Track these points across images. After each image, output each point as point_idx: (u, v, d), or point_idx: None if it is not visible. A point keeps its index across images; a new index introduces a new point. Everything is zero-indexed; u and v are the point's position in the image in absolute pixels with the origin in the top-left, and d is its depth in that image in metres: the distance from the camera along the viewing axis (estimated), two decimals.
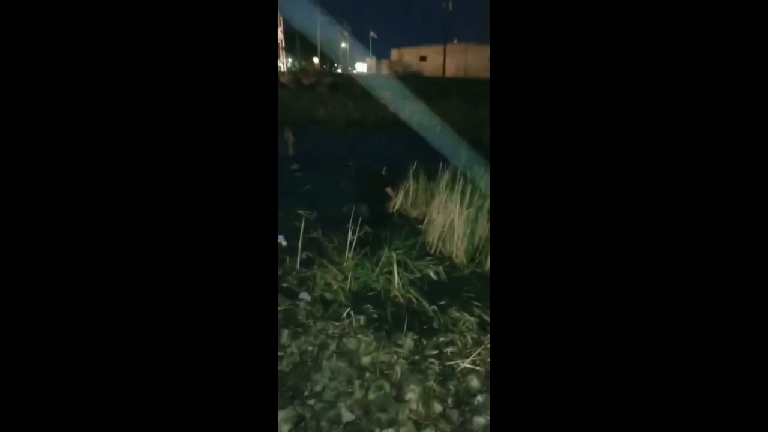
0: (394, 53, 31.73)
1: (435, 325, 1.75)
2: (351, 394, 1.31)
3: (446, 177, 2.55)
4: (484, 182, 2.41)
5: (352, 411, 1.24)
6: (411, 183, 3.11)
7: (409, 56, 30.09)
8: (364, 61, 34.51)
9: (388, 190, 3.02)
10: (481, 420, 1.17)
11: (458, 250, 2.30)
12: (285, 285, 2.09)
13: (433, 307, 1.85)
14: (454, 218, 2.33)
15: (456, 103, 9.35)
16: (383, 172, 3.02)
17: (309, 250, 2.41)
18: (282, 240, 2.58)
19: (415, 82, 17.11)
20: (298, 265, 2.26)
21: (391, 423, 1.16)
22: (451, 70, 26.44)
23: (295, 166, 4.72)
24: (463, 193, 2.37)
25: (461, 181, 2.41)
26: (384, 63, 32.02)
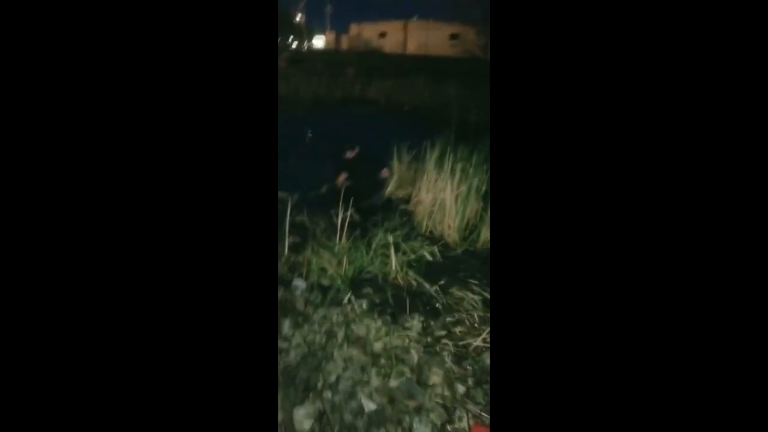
0: (354, 28, 30.65)
1: (438, 305, 1.74)
2: (368, 382, 1.26)
3: (434, 156, 2.50)
4: (473, 160, 2.40)
5: (372, 399, 1.19)
6: (395, 163, 3.03)
7: (368, 32, 29.23)
8: (322, 35, 33.04)
9: (384, 171, 2.96)
10: None
11: (450, 229, 2.29)
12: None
13: (434, 287, 1.83)
14: (445, 197, 2.30)
15: (423, 80, 9.25)
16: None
17: (295, 235, 2.29)
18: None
19: (378, 59, 16.70)
20: (286, 251, 2.14)
21: (419, 409, 1.14)
22: (411, 47, 26.10)
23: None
24: (453, 172, 2.34)
25: (450, 159, 2.38)
26: (343, 38, 30.87)
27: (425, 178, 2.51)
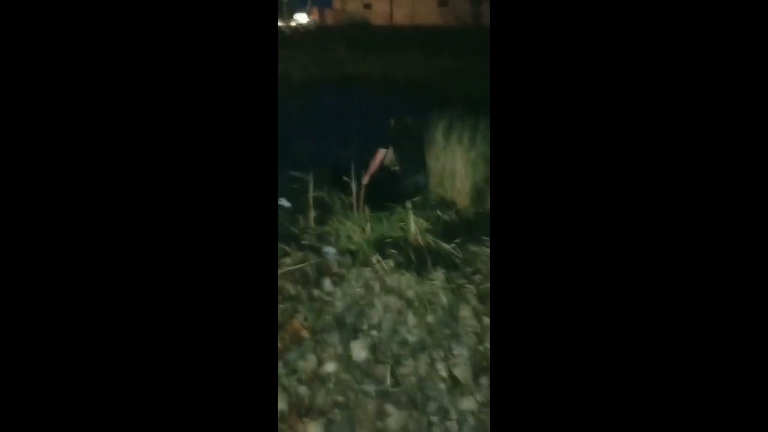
0: (337, 1, 29.65)
1: (457, 260, 1.96)
2: (406, 321, 1.49)
3: (441, 126, 2.66)
4: (480, 129, 2.56)
5: (412, 333, 1.42)
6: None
7: (353, 4, 28.31)
8: (304, 11, 31.96)
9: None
10: None
11: (461, 195, 2.49)
12: (305, 242, 2.18)
13: (452, 245, 2.05)
14: (455, 165, 2.49)
15: (415, 54, 9.19)
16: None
17: (316, 209, 2.48)
18: (285, 202, 2.59)
19: (366, 33, 16.36)
20: (312, 223, 2.34)
21: (454, 336, 1.37)
22: (398, 18, 25.41)
23: None
24: (461, 141, 2.52)
25: (458, 129, 2.55)
26: (327, 12, 29.91)
27: (432, 147, 2.67)
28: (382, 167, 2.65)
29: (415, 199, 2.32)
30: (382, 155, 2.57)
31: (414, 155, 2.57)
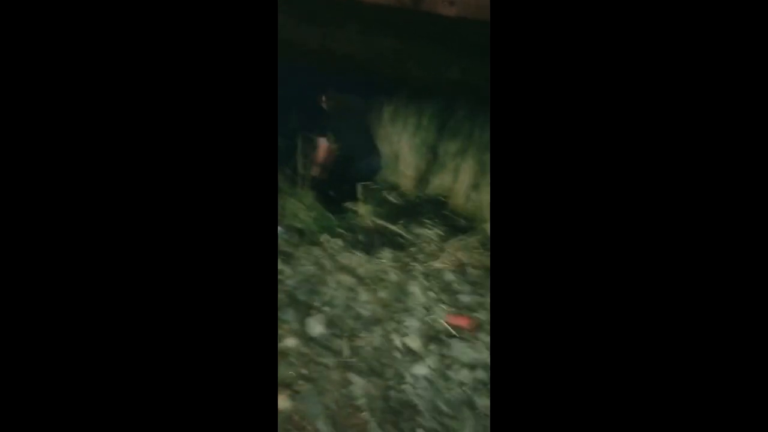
0: None
1: (402, 240, 2.07)
2: (357, 297, 1.57)
3: (387, 109, 2.71)
4: (424, 115, 2.67)
5: (365, 309, 1.51)
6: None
7: None
8: None
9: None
10: (466, 299, 1.60)
11: (405, 178, 2.60)
12: None
13: (397, 226, 2.16)
14: (400, 149, 2.58)
15: (354, 29, 8.96)
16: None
17: None
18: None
19: (301, 4, 15.31)
20: None
21: (406, 310, 1.49)
22: None
23: None
24: (405, 126, 2.61)
25: (404, 115, 2.63)
26: None
27: (380, 131, 2.72)
28: (331, 155, 2.47)
29: (365, 183, 2.36)
30: (325, 146, 2.40)
31: (362, 137, 2.53)
